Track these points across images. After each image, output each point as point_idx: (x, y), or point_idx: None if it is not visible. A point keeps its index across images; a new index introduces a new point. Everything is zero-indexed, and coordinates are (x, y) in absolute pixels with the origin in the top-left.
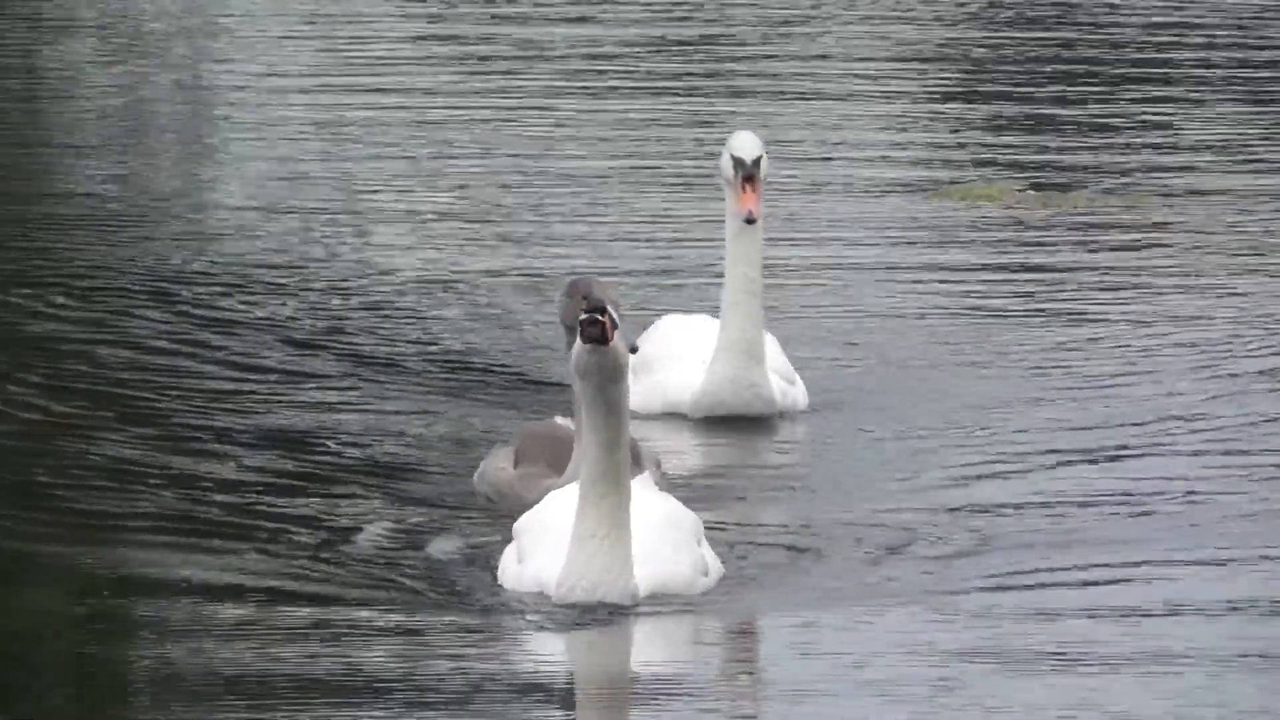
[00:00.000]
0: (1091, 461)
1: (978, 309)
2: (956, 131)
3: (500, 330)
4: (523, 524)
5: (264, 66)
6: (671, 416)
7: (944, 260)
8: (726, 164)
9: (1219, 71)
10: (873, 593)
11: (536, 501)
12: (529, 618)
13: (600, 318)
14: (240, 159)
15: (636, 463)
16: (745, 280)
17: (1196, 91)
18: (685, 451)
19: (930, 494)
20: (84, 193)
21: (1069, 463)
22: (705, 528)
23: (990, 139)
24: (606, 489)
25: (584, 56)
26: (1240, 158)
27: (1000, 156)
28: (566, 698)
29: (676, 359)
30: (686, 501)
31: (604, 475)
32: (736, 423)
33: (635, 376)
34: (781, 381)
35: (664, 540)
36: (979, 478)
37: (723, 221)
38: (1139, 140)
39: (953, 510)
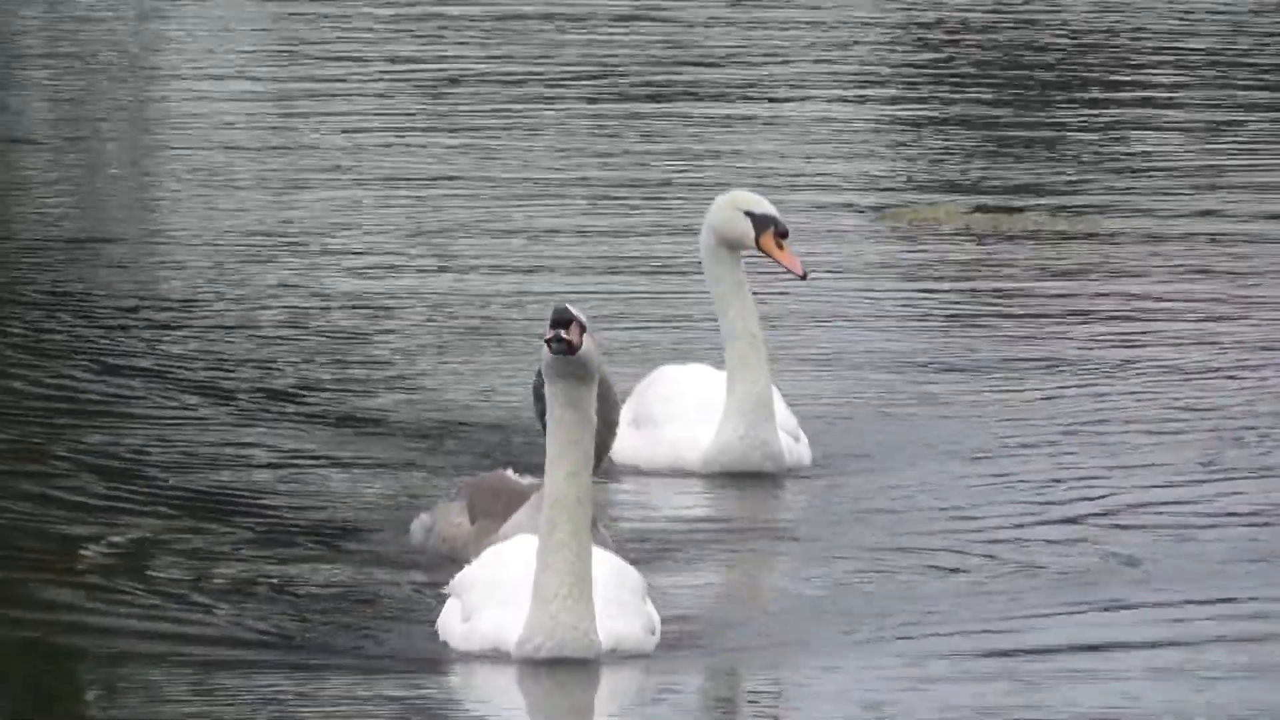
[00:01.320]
0: (1096, 514)
1: (954, 347)
2: (899, 154)
3: (431, 374)
4: (464, 580)
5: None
6: (678, 473)
7: (911, 292)
8: (736, 222)
9: (1166, 86)
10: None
11: None
12: (479, 674)
13: (565, 333)
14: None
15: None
16: (749, 337)
17: (1143, 107)
18: (693, 508)
19: (938, 552)
20: None
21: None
22: (704, 583)
23: (932, 160)
24: (570, 530)
25: (520, 91)
26: (1191, 172)
27: (943, 178)
28: None
29: (681, 414)
30: (687, 559)
31: (568, 513)
32: (744, 480)
33: (638, 430)
34: (788, 438)
35: (616, 598)
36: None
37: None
38: (1083, 159)
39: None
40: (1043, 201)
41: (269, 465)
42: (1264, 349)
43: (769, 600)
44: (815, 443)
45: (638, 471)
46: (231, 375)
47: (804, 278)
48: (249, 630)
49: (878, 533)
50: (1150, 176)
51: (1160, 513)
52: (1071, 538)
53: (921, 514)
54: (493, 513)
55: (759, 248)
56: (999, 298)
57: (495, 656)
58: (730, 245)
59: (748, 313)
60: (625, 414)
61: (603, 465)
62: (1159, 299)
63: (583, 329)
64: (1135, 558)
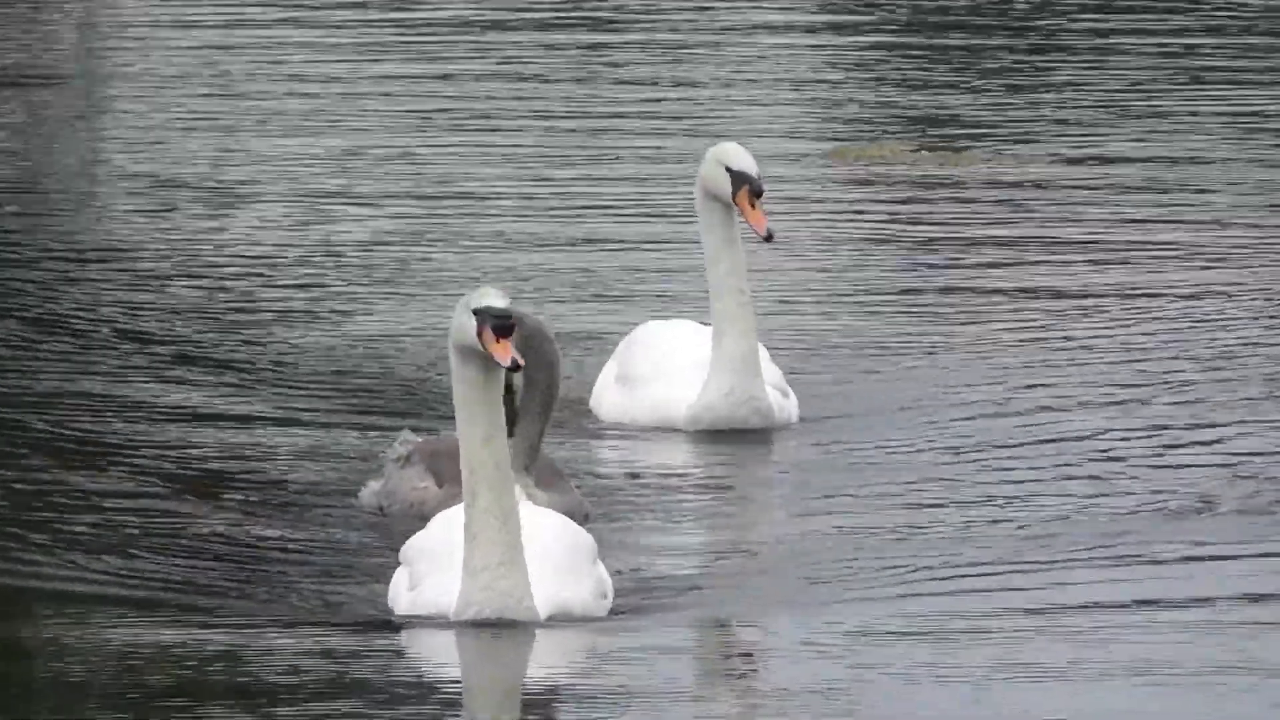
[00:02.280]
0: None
1: (921, 290)
2: (845, 92)
3: (371, 336)
4: (412, 548)
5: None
6: (663, 430)
7: (863, 231)
8: (718, 178)
9: (1118, 28)
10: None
11: None
12: (423, 636)
13: (518, 357)
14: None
15: (560, 477)
16: (736, 293)
17: (1096, 51)
18: (679, 465)
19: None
20: None
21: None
22: (693, 540)
23: (878, 99)
24: (493, 498)
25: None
26: (1142, 113)
27: (889, 116)
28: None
29: (666, 370)
30: (675, 516)
31: (488, 481)
32: (731, 436)
33: (622, 387)
34: (776, 394)
35: (563, 564)
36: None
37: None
38: (1030, 98)
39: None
40: (988, 141)
41: (204, 420)
42: (1228, 282)
43: (746, 559)
44: (814, 400)
45: (622, 428)
46: (153, 327)
47: (767, 239)
48: (183, 588)
49: (865, 488)
50: (1101, 115)
51: (1141, 458)
52: (1052, 492)
53: (909, 470)
54: (457, 476)
55: (734, 203)
56: (946, 234)
57: (438, 622)
58: (715, 200)
59: (737, 267)
60: (609, 370)
61: (552, 413)
62: (1110, 238)
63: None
64: (1119, 508)
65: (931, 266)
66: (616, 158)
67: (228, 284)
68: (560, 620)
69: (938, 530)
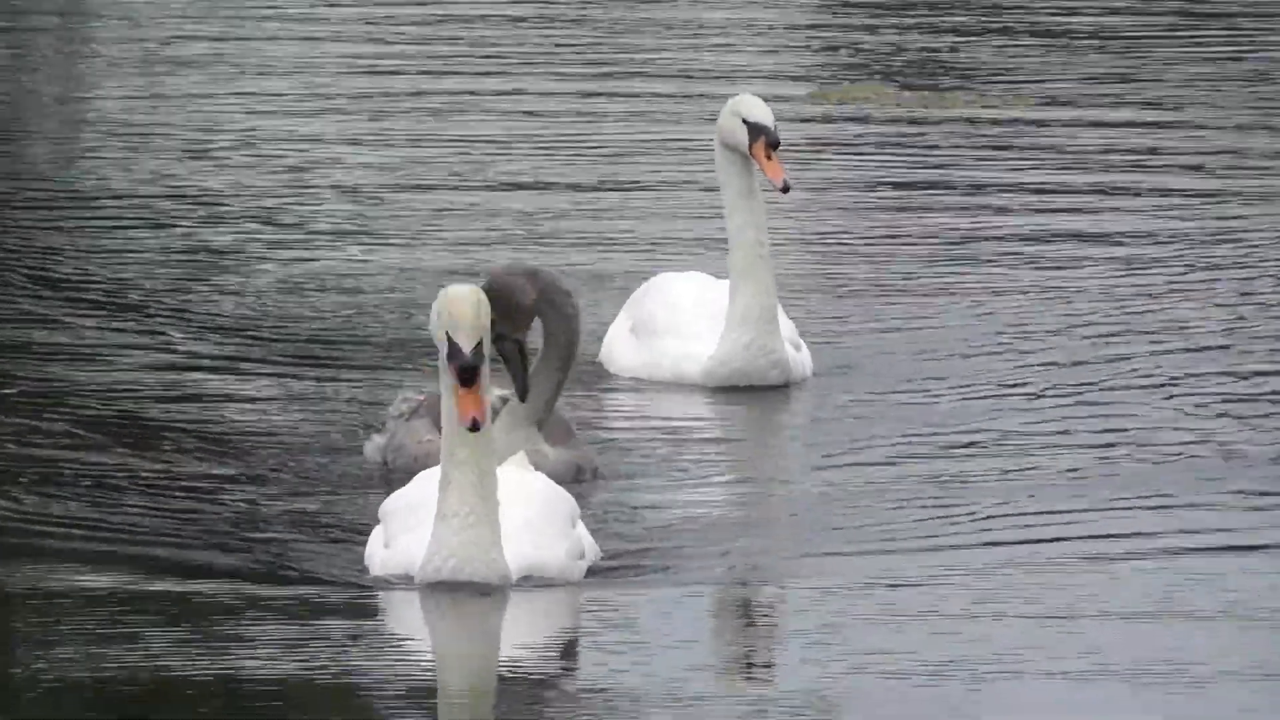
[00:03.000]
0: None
1: (926, 235)
2: (827, 35)
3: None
4: (389, 506)
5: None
6: (680, 385)
7: (848, 173)
8: (735, 129)
9: None
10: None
11: None
12: (392, 600)
13: (477, 416)
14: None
15: (569, 434)
16: (755, 245)
17: None
18: (693, 420)
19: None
20: None
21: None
22: (706, 499)
23: (860, 41)
24: (470, 453)
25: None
26: (1123, 50)
27: (871, 58)
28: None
29: (682, 324)
30: (689, 472)
31: (468, 440)
32: (747, 390)
33: (636, 339)
34: (790, 348)
35: (537, 523)
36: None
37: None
38: (1013, 40)
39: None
40: (970, 82)
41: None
42: (1212, 230)
43: (758, 514)
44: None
45: (636, 382)
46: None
47: (784, 190)
48: (153, 541)
49: (883, 440)
50: (1083, 59)
51: (1145, 402)
52: (1075, 439)
53: (927, 420)
54: None
55: (751, 155)
56: (933, 177)
57: (409, 583)
58: (733, 151)
59: (755, 219)
60: (621, 323)
61: (571, 369)
62: (1101, 182)
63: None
64: (1131, 455)
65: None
66: (607, 102)
67: (218, 228)
68: (533, 581)
69: (964, 479)
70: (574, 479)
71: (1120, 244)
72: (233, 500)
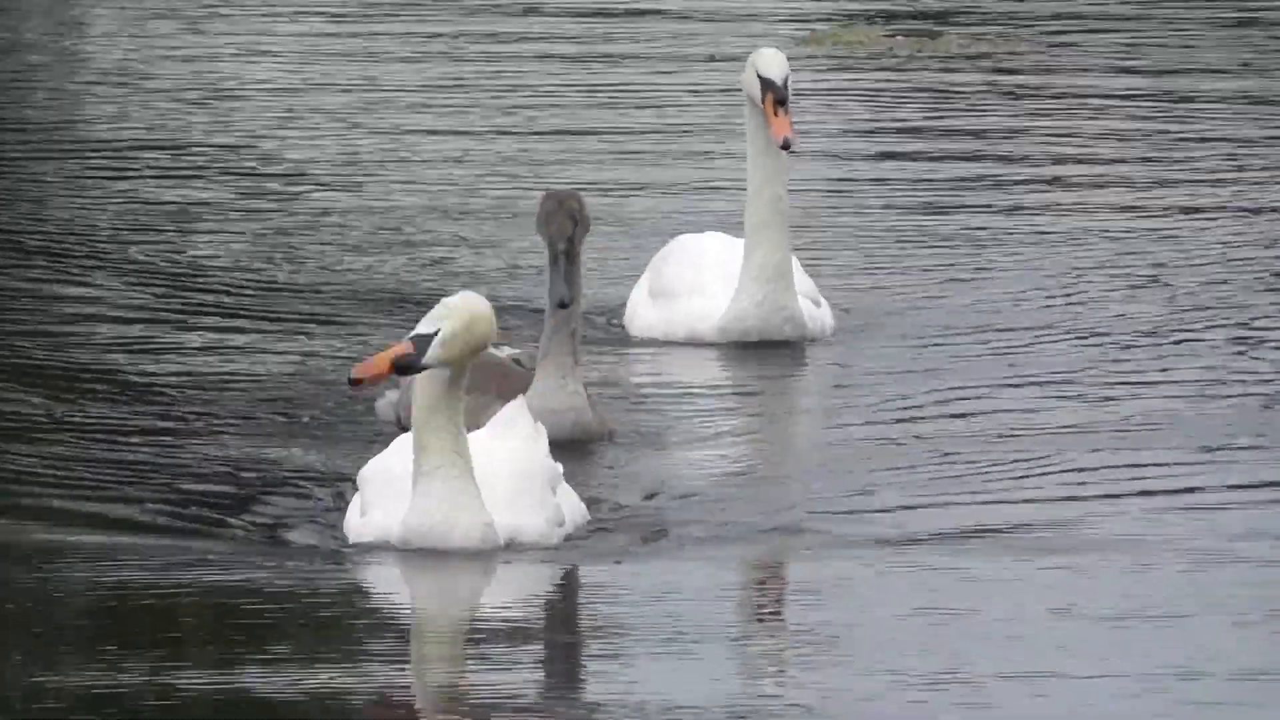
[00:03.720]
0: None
1: (934, 182)
2: None
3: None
4: (367, 472)
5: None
6: (696, 343)
7: (846, 120)
8: (751, 82)
9: None
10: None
11: None
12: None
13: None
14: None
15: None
16: (774, 200)
17: None
18: (707, 379)
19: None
20: None
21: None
22: (710, 464)
23: None
24: (442, 422)
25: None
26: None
27: (852, 1)
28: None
29: (698, 283)
30: (702, 432)
31: (439, 408)
32: (763, 348)
33: (654, 301)
34: (808, 304)
35: (515, 489)
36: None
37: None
38: None
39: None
40: (962, 25)
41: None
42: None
43: (746, 483)
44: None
45: (655, 344)
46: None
47: (784, 147)
48: (153, 511)
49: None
50: (1077, 9)
51: (1138, 368)
52: (1093, 393)
53: (946, 377)
54: (484, 387)
55: (762, 107)
56: (931, 120)
57: (387, 549)
58: (754, 105)
59: (776, 175)
60: (641, 286)
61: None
62: (1094, 128)
63: (417, 351)
64: (1143, 419)
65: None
66: (598, 53)
67: (210, 187)
68: (512, 547)
69: (980, 438)
70: (592, 435)
71: (1128, 188)
72: (236, 458)
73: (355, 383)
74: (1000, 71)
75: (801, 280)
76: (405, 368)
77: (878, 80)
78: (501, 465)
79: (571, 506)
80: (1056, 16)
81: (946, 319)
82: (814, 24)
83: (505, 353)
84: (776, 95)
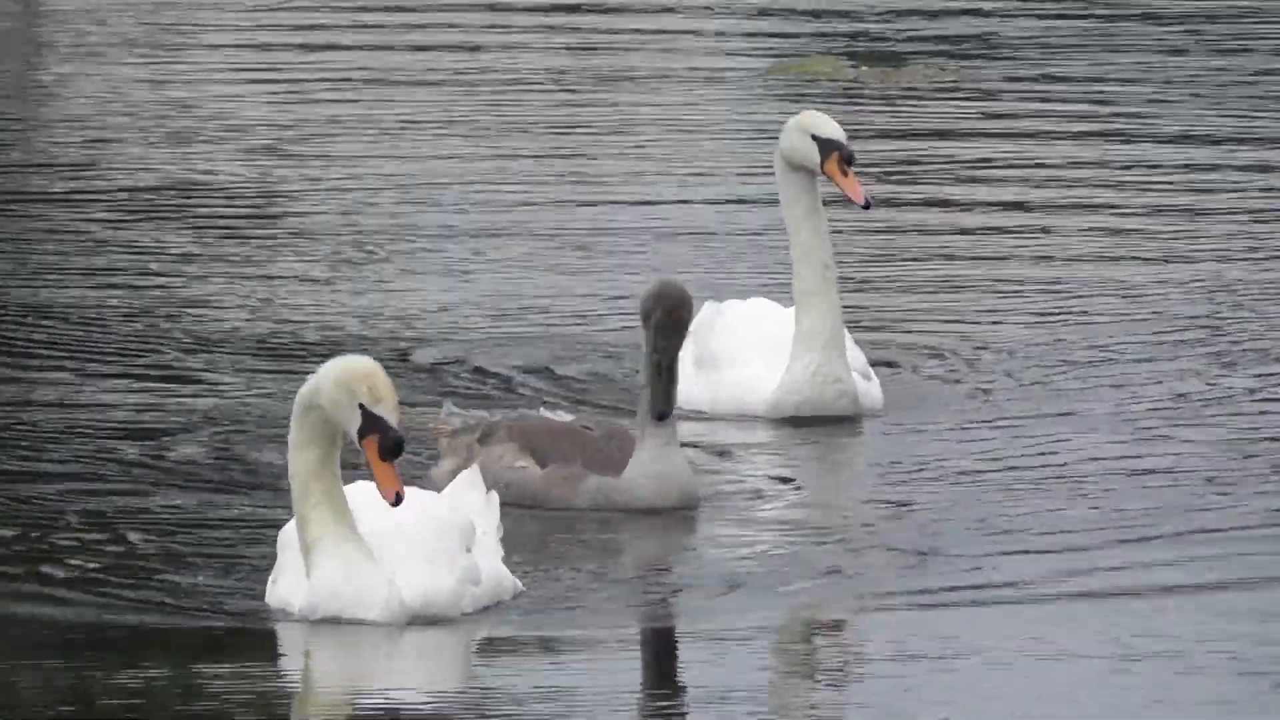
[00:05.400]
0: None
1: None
2: (782, 7)
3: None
4: (283, 537)
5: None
6: (746, 418)
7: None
8: (803, 147)
9: None
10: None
11: (581, 504)
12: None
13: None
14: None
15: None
16: (821, 267)
17: None
18: (758, 458)
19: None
20: None
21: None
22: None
23: (815, 14)
24: (321, 496)
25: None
26: (1082, 33)
27: (826, 31)
28: None
29: (746, 353)
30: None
31: (319, 478)
32: (816, 425)
33: (701, 371)
34: (859, 378)
35: (425, 550)
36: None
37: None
38: (956, 9)
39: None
40: (928, 53)
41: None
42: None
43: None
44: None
45: (700, 416)
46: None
47: (866, 207)
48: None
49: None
50: (1043, 31)
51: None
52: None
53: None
54: (568, 456)
55: (823, 172)
56: (900, 151)
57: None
58: (799, 170)
59: (820, 239)
60: (685, 354)
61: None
62: (1062, 155)
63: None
64: (1204, 472)
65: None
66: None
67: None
68: (421, 610)
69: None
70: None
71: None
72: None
73: (399, 500)
74: (976, 100)
75: (852, 352)
76: (397, 450)
77: (852, 110)
78: (412, 524)
79: (491, 565)
80: (1028, 40)
81: (999, 390)
82: (778, 54)
83: (566, 418)
84: (844, 154)
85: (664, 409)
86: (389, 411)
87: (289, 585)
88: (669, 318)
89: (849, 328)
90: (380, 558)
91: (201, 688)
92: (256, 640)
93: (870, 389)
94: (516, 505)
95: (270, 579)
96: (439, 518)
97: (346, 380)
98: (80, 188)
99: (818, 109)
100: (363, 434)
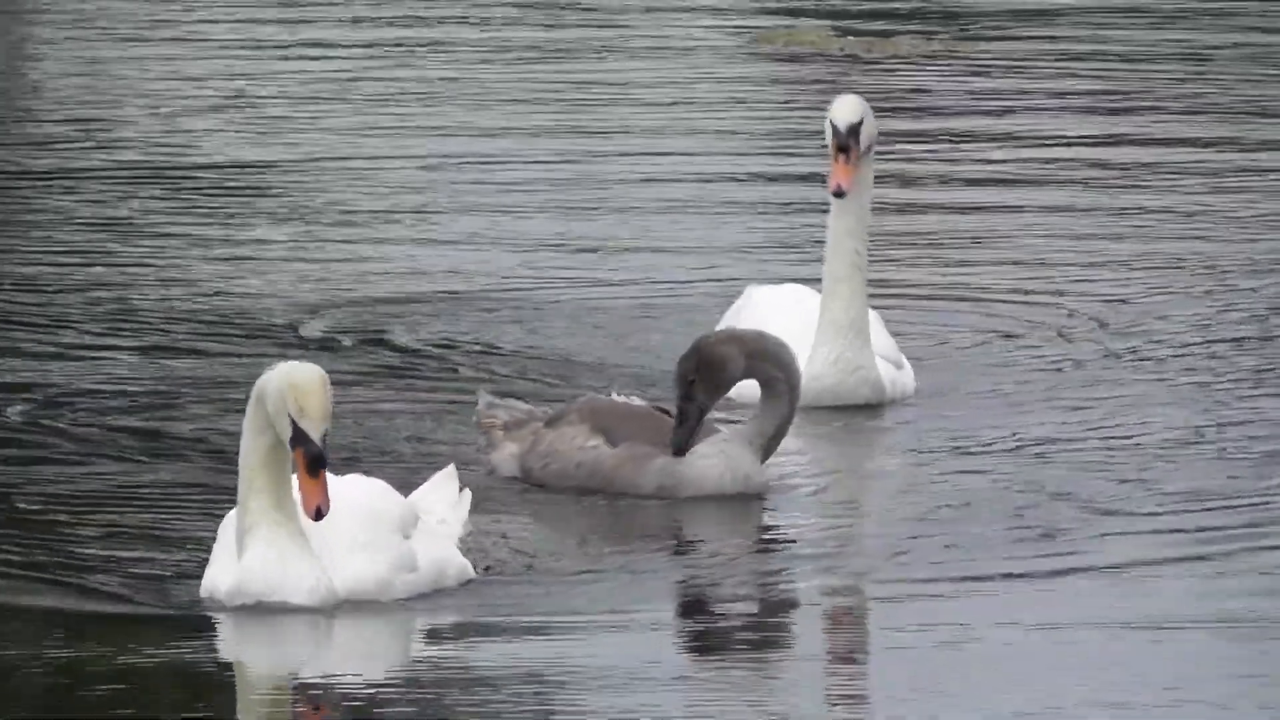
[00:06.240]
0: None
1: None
2: None
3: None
4: (222, 527)
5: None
6: None
7: (793, 120)
8: (828, 132)
9: None
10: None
11: (647, 486)
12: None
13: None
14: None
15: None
16: (852, 255)
17: None
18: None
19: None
20: None
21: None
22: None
23: None
24: (265, 484)
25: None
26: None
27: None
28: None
29: None
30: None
31: (265, 462)
32: (839, 414)
33: None
34: (888, 366)
35: (358, 537)
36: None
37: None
38: None
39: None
40: (913, 25)
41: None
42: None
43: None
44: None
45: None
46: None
47: (836, 195)
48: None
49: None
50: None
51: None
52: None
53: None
54: (636, 435)
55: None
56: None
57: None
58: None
59: (856, 228)
60: None
61: (790, 420)
62: (1052, 126)
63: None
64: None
65: None
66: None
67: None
68: (354, 596)
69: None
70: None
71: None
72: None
73: (320, 515)
74: (970, 73)
75: (883, 341)
76: (316, 466)
77: (824, 79)
78: (347, 510)
79: (430, 551)
80: (1012, 14)
81: (1030, 376)
82: (761, 25)
83: (638, 403)
84: (838, 141)
85: (681, 447)
86: (313, 427)
87: (218, 571)
88: (715, 381)
89: (882, 315)
90: (314, 545)
91: (126, 672)
92: (187, 625)
93: (900, 377)
94: (586, 488)
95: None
96: (375, 507)
97: (283, 389)
98: (60, 164)
99: (805, 80)
100: (293, 444)
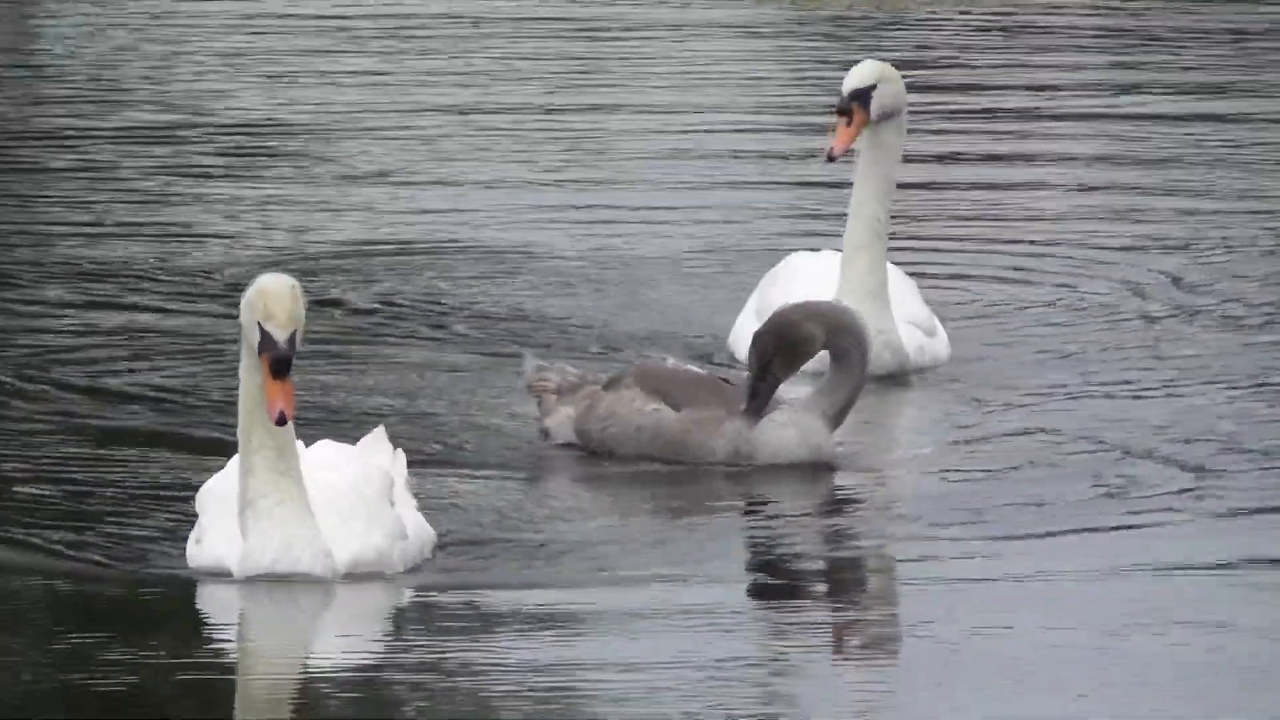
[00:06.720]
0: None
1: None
2: None
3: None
4: (203, 497)
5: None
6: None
7: (808, 83)
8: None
9: None
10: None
11: (720, 450)
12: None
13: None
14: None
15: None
16: (873, 221)
17: None
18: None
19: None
20: None
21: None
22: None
23: None
24: (265, 440)
25: None
26: None
27: None
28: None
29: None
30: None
31: (263, 425)
32: (884, 381)
33: (759, 322)
34: (918, 333)
35: (351, 506)
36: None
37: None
38: None
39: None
40: None
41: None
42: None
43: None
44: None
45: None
46: None
47: (828, 159)
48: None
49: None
50: None
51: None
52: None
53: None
54: (701, 400)
55: None
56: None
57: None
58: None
59: (879, 193)
60: (750, 305)
61: (860, 390)
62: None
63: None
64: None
65: None
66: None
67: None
68: (354, 566)
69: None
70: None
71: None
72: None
73: (284, 421)
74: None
75: (915, 307)
76: (281, 368)
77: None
78: (332, 481)
79: (414, 518)
80: None
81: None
82: None
83: (695, 370)
84: (838, 105)
85: (755, 413)
86: (278, 329)
87: (215, 545)
88: (791, 359)
89: (917, 281)
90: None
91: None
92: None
93: (931, 344)
94: (646, 454)
95: (193, 538)
96: (362, 475)
97: (251, 297)
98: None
99: (816, 39)
100: (260, 350)
